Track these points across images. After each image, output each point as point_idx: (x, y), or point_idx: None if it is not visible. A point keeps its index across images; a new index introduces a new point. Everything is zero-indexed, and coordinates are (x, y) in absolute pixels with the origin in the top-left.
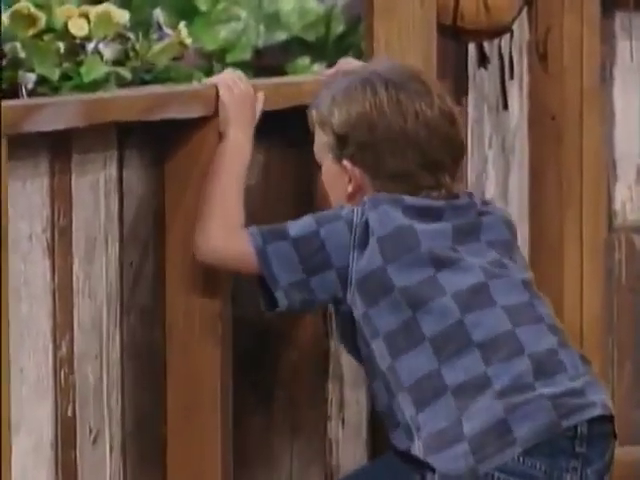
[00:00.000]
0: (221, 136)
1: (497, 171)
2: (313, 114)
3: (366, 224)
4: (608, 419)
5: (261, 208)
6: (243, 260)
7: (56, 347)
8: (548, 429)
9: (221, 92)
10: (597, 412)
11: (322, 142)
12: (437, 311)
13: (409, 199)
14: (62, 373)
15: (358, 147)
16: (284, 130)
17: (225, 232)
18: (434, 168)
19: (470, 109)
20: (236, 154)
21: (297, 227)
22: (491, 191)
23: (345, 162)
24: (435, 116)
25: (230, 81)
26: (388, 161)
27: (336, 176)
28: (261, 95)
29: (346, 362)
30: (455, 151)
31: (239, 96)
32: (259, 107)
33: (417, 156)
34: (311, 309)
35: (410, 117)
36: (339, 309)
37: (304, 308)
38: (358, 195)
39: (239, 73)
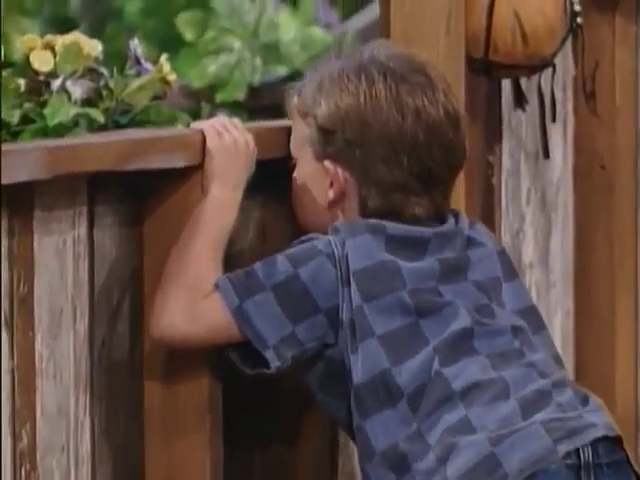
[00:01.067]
0: (204, 191)
1: (536, 231)
2: (294, 101)
3: (346, 256)
4: (616, 443)
5: None
6: (219, 328)
7: (15, 438)
8: (543, 457)
9: (208, 140)
10: (600, 433)
11: (302, 135)
12: (416, 365)
13: (392, 228)
14: (23, 469)
15: (345, 145)
16: (283, 183)
17: (192, 303)
18: (428, 180)
19: (504, 158)
20: (216, 215)
21: (271, 273)
22: (529, 254)
23: (327, 162)
24: (438, 117)
25: (220, 127)
26: (378, 166)
27: (315, 177)
28: (252, 143)
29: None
30: (455, 163)
31: (229, 145)
32: (253, 159)
33: (412, 163)
34: (299, 363)
35: (410, 115)
36: (324, 355)
37: (293, 364)
38: (340, 204)
39: (234, 120)
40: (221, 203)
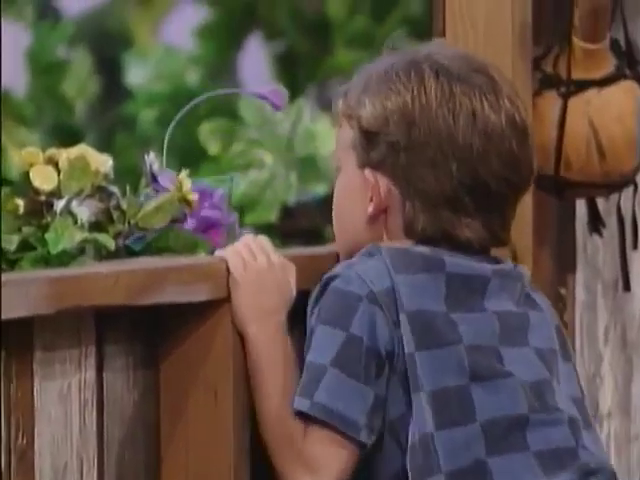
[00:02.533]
0: (240, 332)
1: (616, 374)
2: (340, 102)
3: (392, 291)
4: None
5: None
6: (299, 435)
7: None
8: None
9: (232, 269)
10: None
11: (346, 138)
12: (460, 440)
13: (452, 264)
14: None
15: (389, 150)
16: None
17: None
18: (482, 197)
19: (579, 290)
20: (267, 356)
21: (323, 349)
22: (607, 401)
23: (367, 172)
24: (500, 125)
25: (246, 253)
26: (424, 172)
27: (356, 187)
28: (288, 265)
29: None
30: (518, 181)
31: (258, 274)
32: (292, 282)
33: (463, 173)
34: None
35: (463, 118)
36: None
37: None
38: (382, 220)
39: (262, 241)
40: (265, 341)
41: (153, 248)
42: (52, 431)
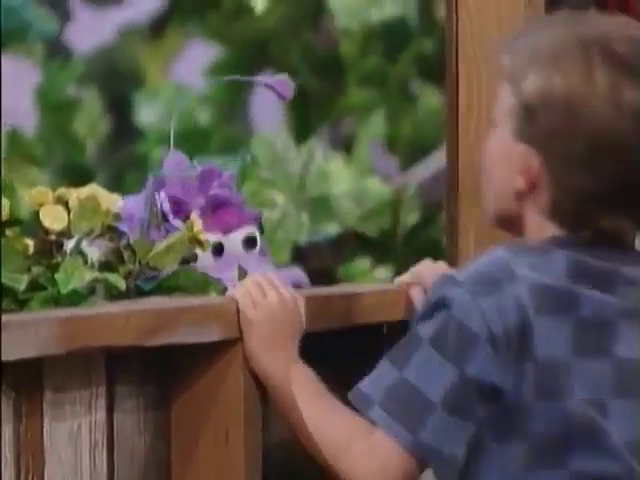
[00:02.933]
0: (259, 372)
1: None
2: (504, 60)
3: (521, 329)
4: None
5: None
6: (397, 468)
7: None
8: None
9: (242, 308)
10: None
11: (505, 102)
12: None
13: (587, 301)
14: None
15: (546, 133)
16: (333, 361)
17: (364, 447)
18: (635, 196)
19: None
20: (296, 379)
21: (433, 382)
22: None
23: (523, 147)
24: None
25: (255, 290)
26: (577, 168)
27: (507, 155)
28: (299, 299)
29: None
30: None
31: (267, 311)
32: (303, 316)
33: (619, 174)
34: None
35: (628, 116)
36: None
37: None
38: (528, 198)
39: (271, 277)
40: (284, 368)
41: (164, 288)
42: (62, 472)
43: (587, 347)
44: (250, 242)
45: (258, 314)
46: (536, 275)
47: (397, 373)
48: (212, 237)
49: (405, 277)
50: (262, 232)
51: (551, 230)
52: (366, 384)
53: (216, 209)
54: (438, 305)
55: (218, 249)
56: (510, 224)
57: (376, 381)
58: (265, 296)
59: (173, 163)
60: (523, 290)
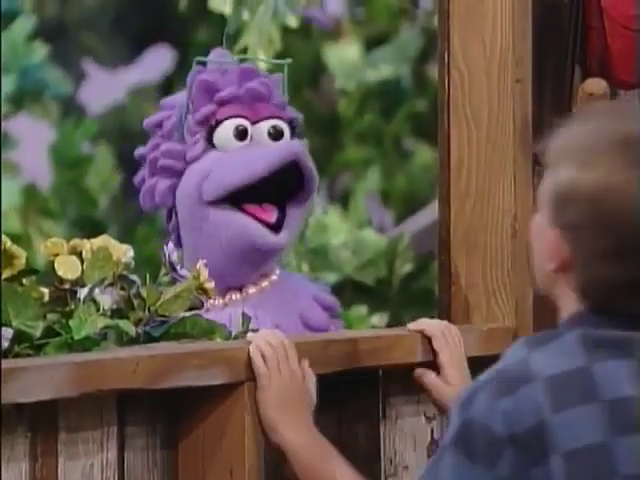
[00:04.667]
0: (278, 441)
1: None
2: (552, 144)
3: (539, 429)
4: None
5: None
6: None
7: None
8: None
9: (257, 376)
10: None
11: (547, 188)
12: None
13: (611, 390)
14: None
15: (575, 223)
16: (332, 404)
17: None
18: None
19: None
20: (316, 455)
21: None
22: None
23: (552, 233)
24: None
25: (270, 356)
26: (605, 261)
27: (541, 237)
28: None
29: None
30: None
31: (280, 387)
32: (313, 392)
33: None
34: None
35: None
36: None
37: None
38: (561, 277)
39: (284, 343)
40: (305, 445)
41: (172, 334)
42: None
43: (619, 425)
44: (276, 133)
45: (272, 389)
46: (552, 366)
47: None
48: (238, 121)
49: (414, 324)
50: (293, 130)
51: (581, 308)
52: None
53: (252, 101)
54: (462, 417)
55: (241, 133)
56: (550, 295)
57: None
58: (279, 368)
59: (218, 54)
60: (539, 389)
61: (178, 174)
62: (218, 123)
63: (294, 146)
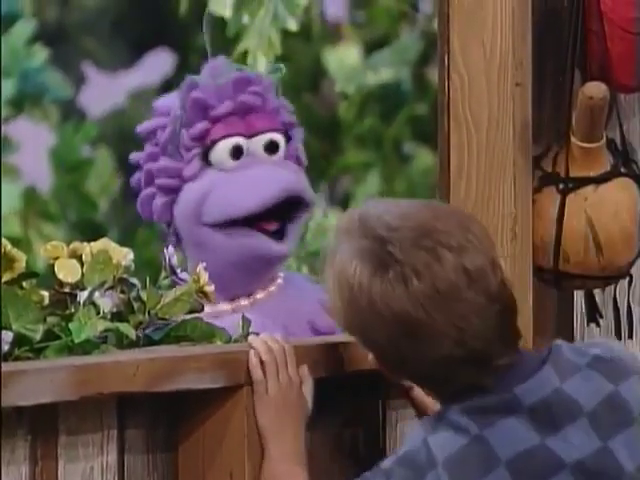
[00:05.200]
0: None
1: None
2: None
3: None
4: None
5: None
6: None
7: None
8: None
9: (254, 382)
10: None
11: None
12: None
13: (501, 443)
14: None
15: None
16: (333, 408)
17: None
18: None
19: None
20: (276, 472)
21: None
22: None
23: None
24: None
25: (269, 361)
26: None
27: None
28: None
29: None
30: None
31: (278, 394)
32: (309, 399)
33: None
34: None
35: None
36: None
37: None
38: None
39: (283, 346)
40: (277, 459)
41: (172, 337)
42: None
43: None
44: (272, 147)
45: (270, 396)
46: (448, 446)
47: None
48: (233, 140)
49: None
50: (289, 140)
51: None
52: None
53: (246, 114)
54: None
55: (237, 152)
56: None
57: None
58: (277, 377)
59: (211, 68)
60: (441, 474)
61: (175, 191)
62: (213, 143)
63: (289, 183)
